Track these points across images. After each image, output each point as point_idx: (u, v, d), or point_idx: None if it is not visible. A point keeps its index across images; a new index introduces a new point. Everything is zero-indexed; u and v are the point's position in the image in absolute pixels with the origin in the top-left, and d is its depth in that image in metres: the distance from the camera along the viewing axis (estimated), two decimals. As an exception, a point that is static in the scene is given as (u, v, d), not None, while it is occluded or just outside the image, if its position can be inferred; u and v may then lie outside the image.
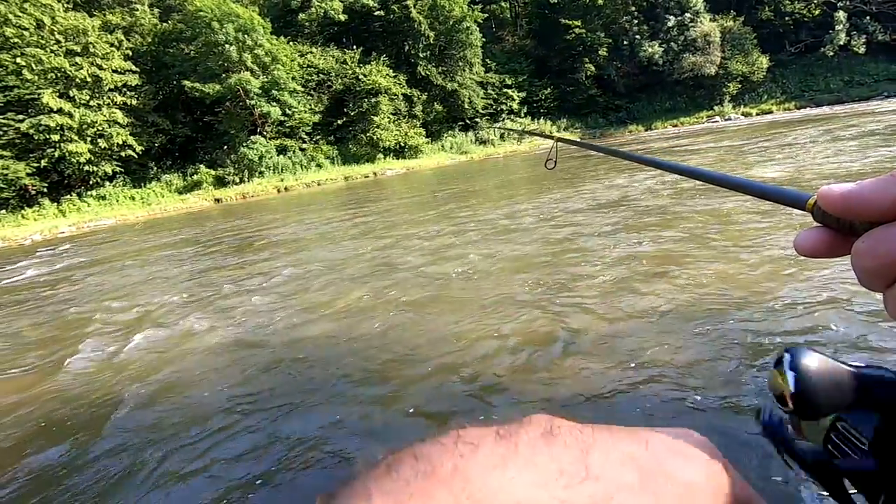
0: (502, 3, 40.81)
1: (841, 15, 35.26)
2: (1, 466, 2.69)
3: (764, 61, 36.44)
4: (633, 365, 2.86)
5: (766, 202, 0.41)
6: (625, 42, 37.23)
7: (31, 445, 2.87)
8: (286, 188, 25.86)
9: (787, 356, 0.40)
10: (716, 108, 36.28)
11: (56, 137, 23.26)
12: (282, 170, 27.90)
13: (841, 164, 8.59)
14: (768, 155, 11.48)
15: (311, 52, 32.69)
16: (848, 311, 3.12)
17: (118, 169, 25.76)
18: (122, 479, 2.46)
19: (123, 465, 2.57)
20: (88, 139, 24.30)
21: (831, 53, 36.00)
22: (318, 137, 31.45)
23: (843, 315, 3.07)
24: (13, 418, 3.22)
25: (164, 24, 28.84)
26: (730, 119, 34.02)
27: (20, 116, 22.83)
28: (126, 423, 2.98)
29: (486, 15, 36.75)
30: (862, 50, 35.42)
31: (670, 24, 36.52)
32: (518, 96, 36.88)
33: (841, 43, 35.56)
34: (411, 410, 2.73)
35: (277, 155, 28.36)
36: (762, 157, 11.33)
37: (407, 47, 34.11)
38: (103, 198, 24.77)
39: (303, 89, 30.63)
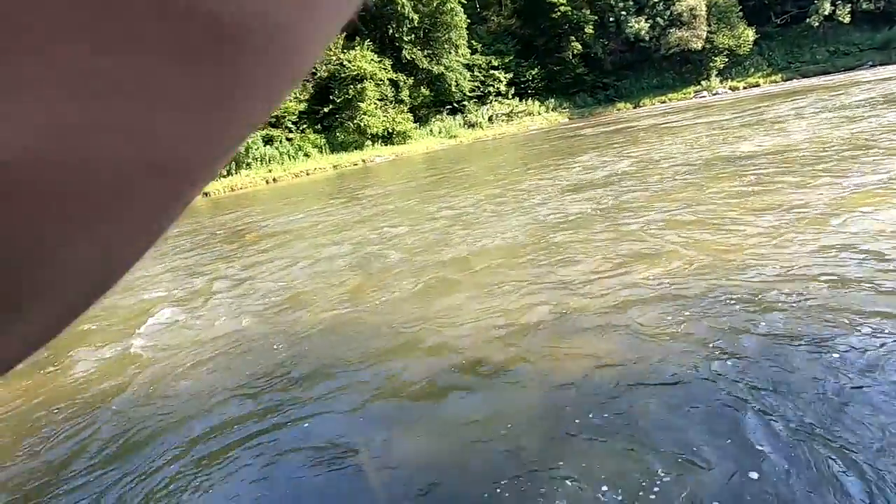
0: (486, -17, 40.15)
1: (826, -16, 35.13)
2: (7, 455, 2.67)
3: (750, 34, 36.30)
4: (635, 341, 2.89)
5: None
6: (611, 19, 36.87)
7: (33, 437, 2.85)
8: (274, 179, 25.59)
9: None
10: (703, 82, 36.21)
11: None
12: (269, 161, 27.56)
13: (826, 134, 8.63)
14: (755, 129, 11.51)
15: (294, 39, 31.95)
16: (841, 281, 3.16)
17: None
18: (129, 467, 2.46)
19: (127, 454, 2.56)
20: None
21: (816, 24, 35.94)
22: (304, 126, 31.03)
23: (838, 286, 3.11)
24: (17, 412, 3.20)
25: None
26: (717, 93, 33.99)
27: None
28: (128, 415, 2.97)
29: (469, -5, 36.18)
30: (847, 19, 35.37)
31: (655, -1, 36.19)
32: (505, 77, 36.53)
33: (826, 13, 35.48)
34: (408, 392, 2.75)
35: (264, 145, 27.99)
36: (750, 131, 11.35)
37: (391, 31, 33.56)
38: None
39: (287, 77, 30.01)
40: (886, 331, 2.57)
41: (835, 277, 3.22)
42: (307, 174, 26.34)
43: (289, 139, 29.74)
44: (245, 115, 0.13)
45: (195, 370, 3.53)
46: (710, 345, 2.72)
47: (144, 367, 3.73)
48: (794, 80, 32.49)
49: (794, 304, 2.98)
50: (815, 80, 28.55)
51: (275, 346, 3.71)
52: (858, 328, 2.64)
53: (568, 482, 1.97)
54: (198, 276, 6.55)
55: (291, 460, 2.38)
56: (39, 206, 0.11)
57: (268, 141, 28.71)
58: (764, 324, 2.83)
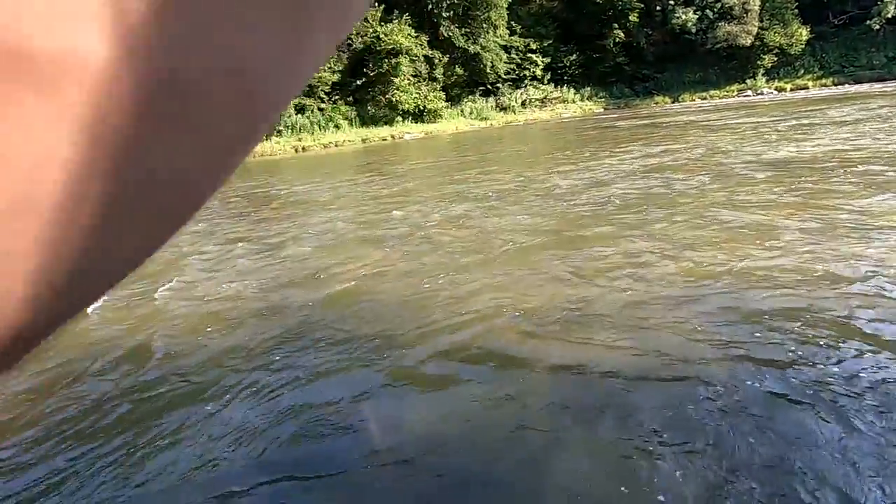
0: (531, -38, 39.03)
1: (892, -15, 33.10)
2: (21, 417, 2.79)
3: (804, 33, 34.59)
4: (648, 336, 2.83)
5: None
6: (657, 8, 35.55)
7: (50, 395, 2.97)
8: (304, 148, 25.74)
9: None
10: (748, 81, 34.81)
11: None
12: (300, 129, 27.70)
13: (879, 145, 8.23)
14: (803, 133, 11.05)
15: (332, 9, 31.74)
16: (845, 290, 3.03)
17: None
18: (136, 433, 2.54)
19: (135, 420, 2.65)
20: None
21: (877, 27, 34.00)
22: (336, 97, 31.01)
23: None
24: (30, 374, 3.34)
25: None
26: (762, 94, 32.69)
27: None
28: (138, 379, 3.07)
29: (513, -26, 35.25)
30: (911, 24, 33.39)
31: (707, -11, 34.71)
32: (542, 62, 35.72)
33: (889, 15, 33.51)
34: (414, 372, 2.76)
35: (296, 114, 28.11)
36: (799, 133, 10.90)
37: (430, 6, 33.01)
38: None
39: (322, 47, 29.94)
40: (924, 354, 2.46)
41: (858, 291, 3.09)
42: (336, 146, 26.42)
43: (321, 109, 29.79)
44: (317, 41, 0.14)
45: (205, 332, 3.61)
46: (728, 347, 2.65)
47: (163, 322, 3.83)
48: (847, 85, 30.98)
49: (814, 316, 2.88)
50: (867, 87, 27.17)
51: (284, 316, 3.76)
52: (870, 346, 2.53)
53: (567, 469, 1.96)
54: (220, 240, 6.66)
55: (292, 424, 2.43)
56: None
57: (300, 109, 28.82)
58: (783, 331, 2.74)
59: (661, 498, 1.82)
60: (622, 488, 1.88)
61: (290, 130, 27.46)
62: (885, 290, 3.14)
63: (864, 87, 27.03)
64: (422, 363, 2.88)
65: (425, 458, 2.14)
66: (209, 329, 3.64)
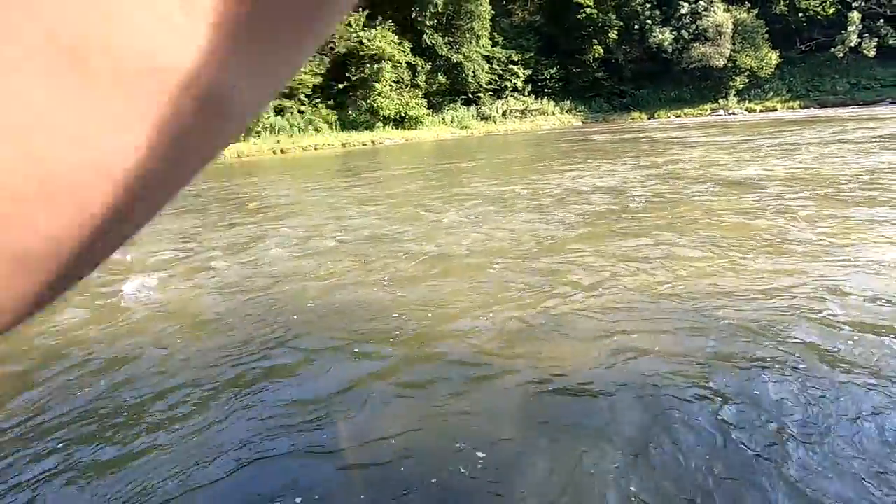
0: (515, -24, 39.66)
1: (855, 15, 34.80)
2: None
3: (773, 57, 36.04)
4: (617, 347, 2.87)
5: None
6: (636, 26, 36.53)
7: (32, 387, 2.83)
8: (282, 150, 25.41)
9: None
10: (720, 101, 36.00)
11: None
12: (279, 131, 27.36)
13: (842, 167, 8.59)
14: (767, 152, 11.45)
15: (315, 11, 31.54)
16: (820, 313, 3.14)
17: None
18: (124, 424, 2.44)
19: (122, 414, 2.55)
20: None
21: (841, 55, 35.68)
22: (317, 100, 30.75)
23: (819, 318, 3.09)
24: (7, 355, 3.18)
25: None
26: (733, 114, 33.83)
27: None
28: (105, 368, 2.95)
29: (497, -14, 35.73)
30: (872, 53, 35.13)
31: (683, 11, 35.87)
32: (524, 73, 36.24)
33: (852, 45, 35.21)
34: (391, 380, 2.73)
35: (275, 115, 27.76)
36: (764, 153, 11.30)
37: (414, 13, 33.18)
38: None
39: (304, 49, 29.69)
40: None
41: (813, 303, 3.20)
42: (315, 149, 26.17)
43: (301, 111, 29.49)
44: (291, 46, 0.13)
45: (172, 330, 3.51)
46: (697, 361, 2.70)
47: (130, 324, 3.70)
48: (812, 108, 32.33)
49: (777, 329, 2.96)
50: (831, 111, 28.41)
51: (257, 319, 3.69)
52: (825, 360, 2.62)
53: (537, 477, 1.96)
54: (192, 241, 6.51)
55: (264, 425, 2.37)
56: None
57: (279, 111, 28.47)
58: (747, 345, 2.81)
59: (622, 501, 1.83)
60: (587, 494, 1.89)
61: (268, 132, 27.09)
62: (833, 303, 3.26)
63: (829, 112, 28.24)
64: (390, 369, 2.85)
65: (395, 463, 2.11)
66: (171, 332, 3.53)
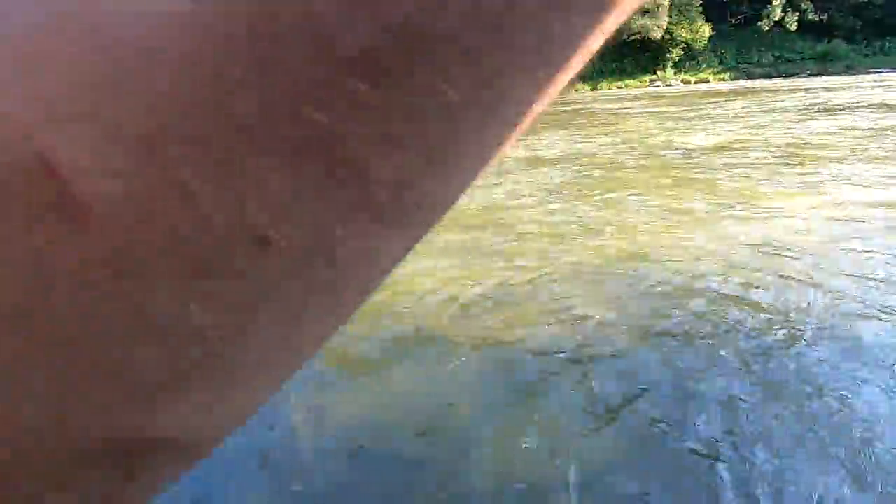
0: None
1: (780, -10, 36.64)
2: None
3: (707, 30, 37.45)
4: (566, 321, 2.98)
5: None
6: (578, -3, 36.68)
7: None
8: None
9: None
10: (658, 72, 37.20)
11: None
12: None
13: (770, 136, 9.16)
14: (706, 123, 12.02)
15: None
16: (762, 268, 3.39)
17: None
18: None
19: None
20: None
21: (766, 28, 37.60)
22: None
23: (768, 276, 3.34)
24: None
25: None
26: (671, 85, 35.11)
27: None
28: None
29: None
30: (794, 27, 37.25)
31: (623, -18, 36.33)
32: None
33: (776, 18, 37.16)
34: (347, 356, 2.71)
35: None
36: (700, 123, 11.85)
37: None
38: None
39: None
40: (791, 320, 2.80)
41: (737, 266, 3.46)
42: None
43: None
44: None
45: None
46: (644, 329, 2.86)
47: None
48: (742, 80, 34.09)
49: (713, 293, 3.18)
50: (758, 83, 30.08)
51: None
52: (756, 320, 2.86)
53: (494, 457, 2.03)
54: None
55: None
56: None
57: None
58: (687, 311, 3.00)
59: (591, 473, 1.94)
60: (554, 466, 1.98)
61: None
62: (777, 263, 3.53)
63: (756, 83, 29.89)
64: (351, 347, 2.83)
65: (347, 441, 2.12)
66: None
